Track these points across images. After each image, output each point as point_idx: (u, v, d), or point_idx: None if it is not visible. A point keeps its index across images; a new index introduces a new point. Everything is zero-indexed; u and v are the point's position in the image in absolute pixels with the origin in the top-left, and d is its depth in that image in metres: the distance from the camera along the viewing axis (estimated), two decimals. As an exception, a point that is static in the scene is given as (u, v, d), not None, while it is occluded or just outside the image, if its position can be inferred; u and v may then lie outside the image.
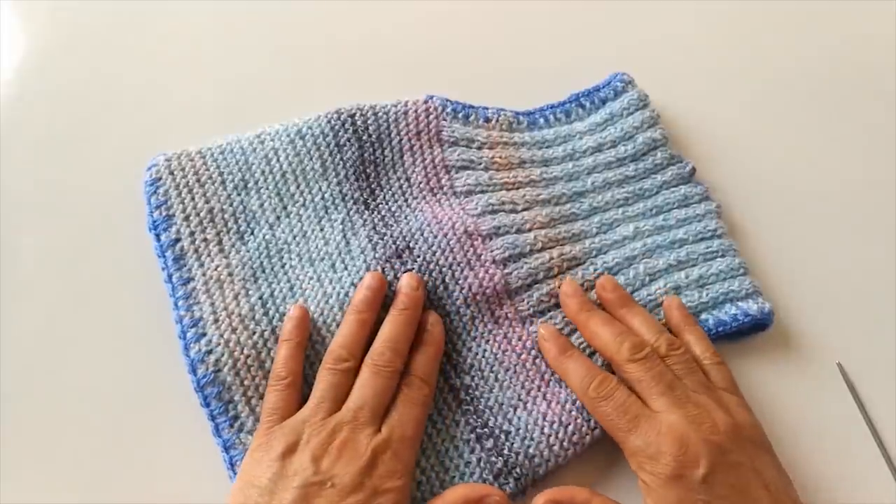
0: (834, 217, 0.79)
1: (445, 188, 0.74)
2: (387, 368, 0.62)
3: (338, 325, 0.66)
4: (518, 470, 0.62)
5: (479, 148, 0.76)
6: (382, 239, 0.70)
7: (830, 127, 0.85)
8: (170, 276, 0.68)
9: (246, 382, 0.64)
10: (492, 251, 0.70)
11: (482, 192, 0.74)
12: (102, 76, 0.85)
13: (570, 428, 0.64)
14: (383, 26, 0.91)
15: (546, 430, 0.63)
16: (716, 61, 0.89)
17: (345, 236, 0.71)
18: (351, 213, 0.72)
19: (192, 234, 0.70)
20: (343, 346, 0.63)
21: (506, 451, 0.62)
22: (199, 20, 0.90)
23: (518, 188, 0.75)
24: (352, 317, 0.65)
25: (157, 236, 0.70)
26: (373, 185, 0.74)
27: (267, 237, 0.71)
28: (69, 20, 0.90)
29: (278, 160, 0.73)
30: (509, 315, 0.69)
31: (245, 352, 0.65)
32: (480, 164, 0.75)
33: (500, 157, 0.76)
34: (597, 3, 0.93)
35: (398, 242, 0.70)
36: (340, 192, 0.73)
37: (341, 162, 0.74)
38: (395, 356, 0.62)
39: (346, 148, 0.74)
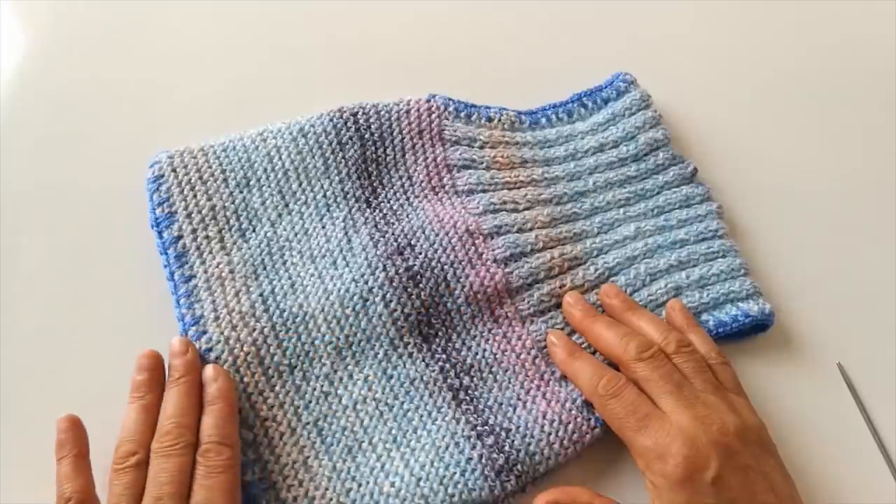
0: (834, 217, 0.79)
1: (447, 187, 0.75)
2: (175, 447, 0.57)
3: (338, 322, 0.67)
4: (519, 467, 0.62)
5: (481, 147, 0.77)
6: (384, 237, 0.70)
7: (831, 128, 0.85)
8: (172, 274, 0.68)
9: (245, 379, 0.64)
10: (493, 250, 0.70)
11: (483, 191, 0.74)
12: (102, 76, 0.85)
13: (570, 427, 0.64)
14: (385, 26, 0.91)
15: (546, 429, 0.63)
16: (717, 62, 0.90)
17: (346, 234, 0.71)
18: (352, 210, 0.72)
19: (193, 231, 0.70)
20: (129, 440, 0.59)
21: (507, 448, 0.62)
22: (200, 19, 0.91)
23: (519, 187, 0.75)
24: (132, 405, 0.61)
25: (160, 234, 0.70)
26: (374, 184, 0.74)
27: (268, 234, 0.71)
28: (69, 20, 0.90)
29: (280, 158, 0.74)
30: (509, 314, 0.69)
31: (245, 349, 0.65)
32: (482, 163, 0.76)
33: (502, 157, 0.76)
34: (599, 4, 0.94)
35: (399, 240, 0.70)
36: (342, 189, 0.73)
37: (343, 160, 0.74)
38: (181, 430, 0.58)
39: (348, 146, 0.74)
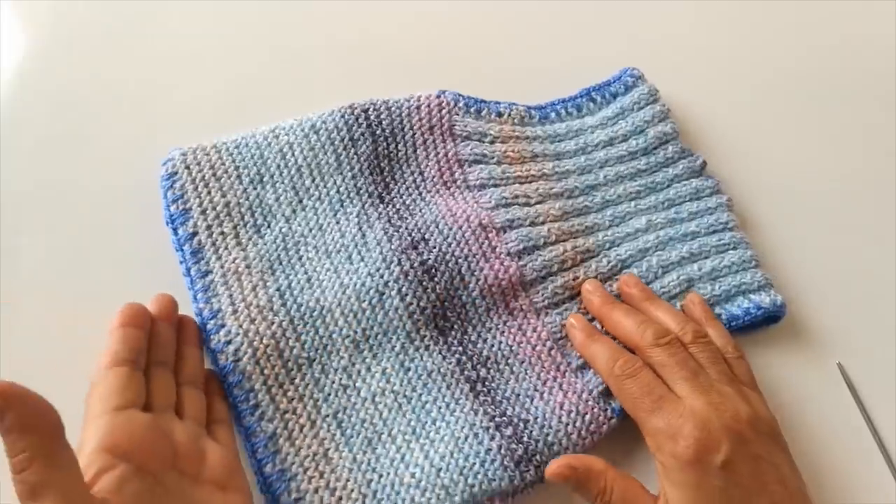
0: (835, 217, 0.79)
1: (459, 182, 0.75)
2: None
3: (355, 316, 0.67)
4: (538, 457, 0.62)
5: (492, 142, 0.77)
6: (398, 231, 0.71)
7: (831, 128, 0.85)
8: (188, 270, 0.69)
9: (266, 371, 0.64)
10: (506, 243, 0.70)
11: (495, 185, 0.75)
12: (103, 76, 0.85)
13: (588, 417, 0.64)
14: (388, 24, 0.91)
15: (564, 419, 0.64)
16: (722, 57, 0.90)
17: (360, 229, 0.71)
18: (366, 206, 0.73)
19: (209, 227, 0.70)
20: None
21: (525, 439, 0.63)
22: (200, 19, 0.90)
23: (531, 182, 0.75)
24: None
25: (175, 230, 0.70)
26: (387, 179, 0.75)
27: (283, 230, 0.71)
28: (69, 20, 0.90)
29: (293, 154, 0.74)
30: (524, 307, 0.69)
31: (264, 341, 0.65)
32: (493, 158, 0.76)
33: (513, 151, 0.77)
34: (604, 1, 0.94)
35: (413, 234, 0.71)
36: (355, 185, 0.74)
37: (356, 156, 0.74)
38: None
39: (360, 142, 0.75)
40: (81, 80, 0.85)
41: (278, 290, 0.68)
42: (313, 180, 0.73)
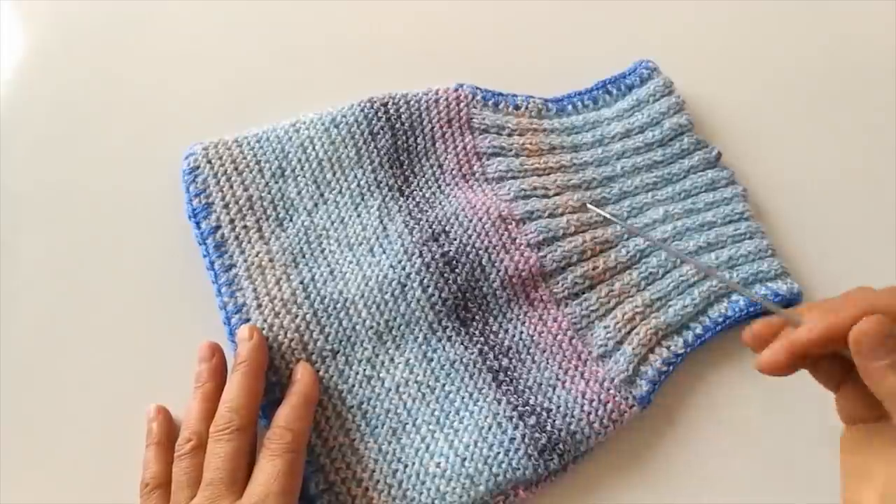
0: (834, 217, 0.79)
1: (478, 174, 0.76)
2: (225, 431, 0.59)
3: (378, 307, 0.68)
4: (561, 446, 0.63)
5: (510, 135, 0.77)
6: (419, 224, 0.71)
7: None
8: (212, 264, 0.69)
9: (290, 365, 0.65)
10: (526, 235, 0.71)
11: (514, 177, 0.75)
12: (103, 76, 0.84)
13: (609, 405, 0.65)
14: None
15: (586, 408, 0.65)
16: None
17: (381, 222, 0.72)
18: (386, 199, 0.73)
19: (231, 221, 0.71)
20: (185, 427, 0.61)
21: (549, 428, 0.63)
22: (200, 19, 0.89)
23: (549, 173, 0.76)
24: (193, 395, 0.64)
25: (198, 224, 0.71)
26: (406, 173, 0.75)
27: (305, 223, 0.72)
28: (69, 20, 0.89)
29: (314, 148, 0.74)
30: (544, 297, 0.70)
31: (289, 335, 0.66)
32: (511, 150, 0.77)
33: (531, 144, 0.77)
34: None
35: (434, 226, 0.71)
36: (375, 179, 0.74)
37: (375, 150, 0.75)
38: (232, 415, 0.59)
39: (379, 136, 0.75)
40: (81, 80, 0.84)
41: (301, 283, 0.69)
42: (334, 174, 0.74)
